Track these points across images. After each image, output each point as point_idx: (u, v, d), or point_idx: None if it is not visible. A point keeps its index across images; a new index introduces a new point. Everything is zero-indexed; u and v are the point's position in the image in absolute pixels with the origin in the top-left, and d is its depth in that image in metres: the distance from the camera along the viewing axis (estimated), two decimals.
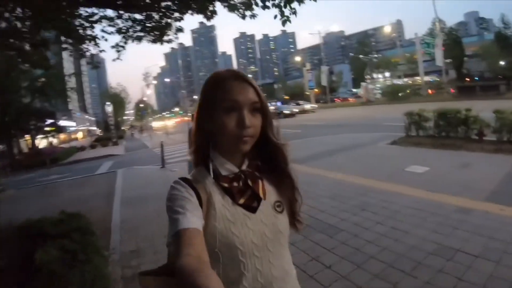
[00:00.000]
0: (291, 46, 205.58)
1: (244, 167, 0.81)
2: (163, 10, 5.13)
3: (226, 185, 0.78)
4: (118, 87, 54.22)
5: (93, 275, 2.32)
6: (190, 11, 5.09)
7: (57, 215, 3.13)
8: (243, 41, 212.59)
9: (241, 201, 0.78)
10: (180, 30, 5.68)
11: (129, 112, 70.31)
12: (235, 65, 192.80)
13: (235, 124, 0.73)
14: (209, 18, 5.21)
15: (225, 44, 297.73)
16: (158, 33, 5.52)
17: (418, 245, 2.81)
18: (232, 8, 4.73)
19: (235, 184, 0.78)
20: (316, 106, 36.96)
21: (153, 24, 5.40)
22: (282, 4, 4.16)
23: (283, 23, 4.26)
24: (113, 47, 5.96)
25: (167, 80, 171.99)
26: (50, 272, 2.08)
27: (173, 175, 8.20)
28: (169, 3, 5.08)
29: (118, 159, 15.04)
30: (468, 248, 2.63)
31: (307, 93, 46.49)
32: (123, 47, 5.96)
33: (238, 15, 4.77)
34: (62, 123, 33.55)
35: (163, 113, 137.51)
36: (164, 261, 0.76)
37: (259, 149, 0.82)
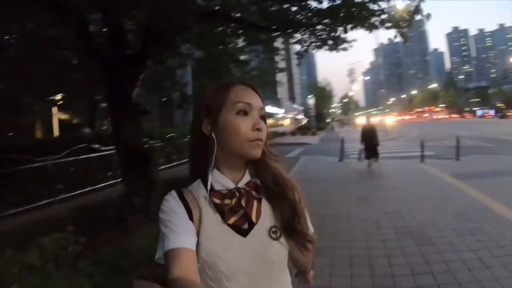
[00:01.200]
0: (510, 43, 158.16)
1: (241, 184, 0.74)
2: (328, 25, 5.60)
3: (217, 201, 0.71)
4: (323, 81, 60.69)
5: None
6: (351, 25, 5.32)
7: None
8: (456, 37, 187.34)
9: (231, 221, 0.71)
10: (353, 40, 6.20)
11: (336, 105, 75.02)
12: (447, 64, 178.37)
13: (249, 126, 0.71)
14: (370, 30, 5.47)
15: (437, 40, 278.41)
16: (332, 43, 6.08)
17: None
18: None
19: (226, 201, 0.71)
20: None
21: (325, 36, 6.00)
22: None
23: None
24: (296, 53, 7.35)
25: (366, 78, 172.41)
26: None
27: (344, 167, 9.55)
28: (328, 20, 5.47)
29: (309, 148, 16.98)
30: None
31: None
32: (302, 55, 7.16)
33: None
34: (269, 109, 38.51)
35: (369, 110, 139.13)
36: None
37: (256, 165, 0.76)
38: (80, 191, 6.95)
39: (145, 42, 4.58)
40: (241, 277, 0.70)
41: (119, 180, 6.22)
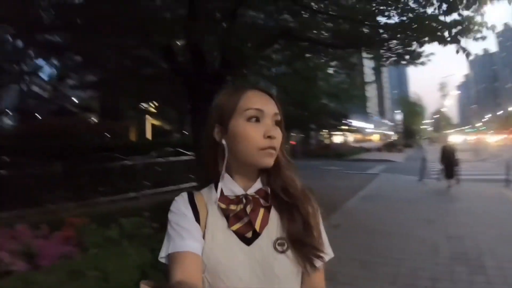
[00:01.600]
0: None
1: (251, 191, 0.72)
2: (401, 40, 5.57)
3: (223, 206, 0.70)
4: (414, 96, 58.18)
5: None
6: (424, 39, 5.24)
7: None
8: None
9: (234, 227, 0.69)
10: (431, 53, 6.02)
11: (427, 121, 72.50)
12: None
13: (260, 134, 0.68)
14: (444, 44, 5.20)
15: None
16: (409, 58, 6.05)
17: None
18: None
19: (232, 207, 0.70)
20: None
21: (401, 51, 5.94)
22: None
23: None
24: (372, 68, 7.75)
25: (459, 92, 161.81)
26: None
27: (421, 187, 9.28)
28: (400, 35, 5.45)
29: (392, 165, 16.64)
30: None
31: None
32: (380, 70, 6.98)
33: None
34: (357, 124, 39.00)
35: (463, 127, 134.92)
36: None
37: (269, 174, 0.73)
38: (163, 189, 7.76)
39: (223, 63, 5.11)
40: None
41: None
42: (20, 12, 4.58)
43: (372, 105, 52.34)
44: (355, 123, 38.93)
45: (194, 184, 8.42)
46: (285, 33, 5.53)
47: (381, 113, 66.59)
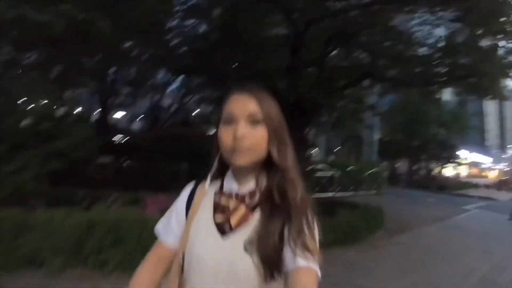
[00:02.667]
0: None
1: (244, 190, 0.76)
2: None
3: (216, 199, 0.77)
4: None
5: None
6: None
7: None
8: None
9: (217, 220, 0.75)
10: None
11: None
12: None
13: (230, 135, 0.70)
14: None
15: None
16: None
17: None
18: None
19: (223, 202, 0.76)
20: None
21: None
22: None
23: None
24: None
25: None
26: None
27: (506, 226, 9.01)
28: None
29: (491, 203, 15.63)
30: None
31: None
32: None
33: None
34: (471, 157, 37.42)
35: None
36: None
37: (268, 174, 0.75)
38: None
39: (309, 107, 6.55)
40: (206, 277, 0.73)
41: None
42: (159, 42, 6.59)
43: (492, 137, 44.81)
44: (470, 155, 34.56)
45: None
46: (367, 75, 6.62)
47: (502, 146, 55.95)
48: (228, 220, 0.73)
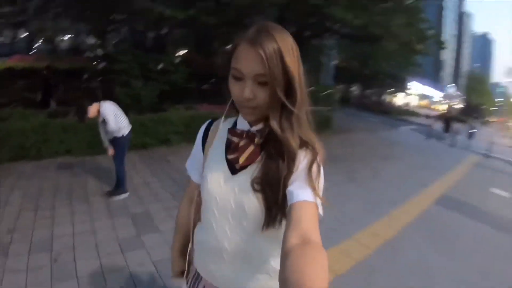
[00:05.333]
0: None
1: (254, 129, 0.77)
2: None
3: (229, 136, 0.79)
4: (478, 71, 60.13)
5: None
6: None
7: None
8: None
9: (230, 156, 0.76)
10: None
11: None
12: None
13: (240, 91, 0.70)
14: None
15: None
16: None
17: None
18: None
19: (234, 139, 0.77)
20: None
21: None
22: None
23: None
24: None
25: None
26: None
27: (424, 143, 11.63)
28: None
29: (420, 127, 17.08)
30: None
31: None
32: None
33: None
34: (424, 90, 40.33)
35: None
36: None
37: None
38: None
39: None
40: (216, 211, 0.78)
41: None
42: None
43: (447, 74, 49.57)
44: (422, 88, 38.68)
45: None
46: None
47: (457, 84, 62.08)
48: (237, 158, 0.74)
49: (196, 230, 0.89)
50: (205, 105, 7.24)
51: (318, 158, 0.72)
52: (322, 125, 9.70)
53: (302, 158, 0.72)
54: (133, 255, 2.59)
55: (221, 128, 0.85)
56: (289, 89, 0.70)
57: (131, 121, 3.71)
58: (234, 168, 0.76)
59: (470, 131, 14.06)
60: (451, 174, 7.06)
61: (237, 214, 0.75)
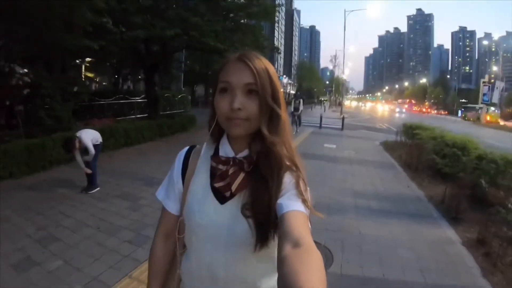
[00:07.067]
0: None
1: (241, 155, 0.76)
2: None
3: (213, 164, 0.76)
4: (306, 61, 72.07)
5: None
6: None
7: None
8: (462, 37, 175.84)
9: (218, 184, 0.74)
10: None
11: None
12: (450, 62, 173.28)
13: (227, 105, 0.70)
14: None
15: (442, 37, 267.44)
16: None
17: None
18: None
19: (220, 166, 0.75)
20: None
21: None
22: None
23: None
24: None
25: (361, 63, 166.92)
26: None
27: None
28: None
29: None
30: None
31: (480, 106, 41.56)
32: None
33: None
34: None
35: (367, 95, 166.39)
36: None
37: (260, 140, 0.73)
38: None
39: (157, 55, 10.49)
40: (207, 242, 0.76)
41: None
42: None
43: (281, 65, 61.80)
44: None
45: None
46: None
47: (289, 74, 74.71)
48: (229, 186, 0.72)
49: (182, 260, 0.86)
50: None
51: (302, 176, 0.73)
52: (190, 123, 11.54)
53: (289, 180, 0.72)
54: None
55: (203, 155, 0.83)
56: (274, 98, 0.72)
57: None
58: (222, 196, 0.74)
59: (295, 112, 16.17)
60: (297, 138, 10.37)
61: (230, 240, 0.74)
